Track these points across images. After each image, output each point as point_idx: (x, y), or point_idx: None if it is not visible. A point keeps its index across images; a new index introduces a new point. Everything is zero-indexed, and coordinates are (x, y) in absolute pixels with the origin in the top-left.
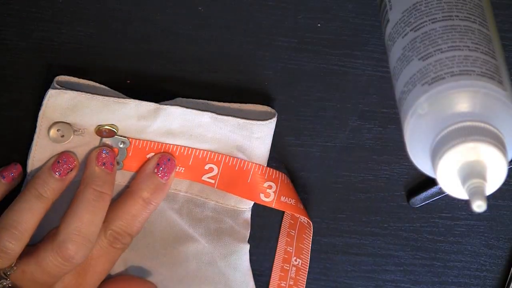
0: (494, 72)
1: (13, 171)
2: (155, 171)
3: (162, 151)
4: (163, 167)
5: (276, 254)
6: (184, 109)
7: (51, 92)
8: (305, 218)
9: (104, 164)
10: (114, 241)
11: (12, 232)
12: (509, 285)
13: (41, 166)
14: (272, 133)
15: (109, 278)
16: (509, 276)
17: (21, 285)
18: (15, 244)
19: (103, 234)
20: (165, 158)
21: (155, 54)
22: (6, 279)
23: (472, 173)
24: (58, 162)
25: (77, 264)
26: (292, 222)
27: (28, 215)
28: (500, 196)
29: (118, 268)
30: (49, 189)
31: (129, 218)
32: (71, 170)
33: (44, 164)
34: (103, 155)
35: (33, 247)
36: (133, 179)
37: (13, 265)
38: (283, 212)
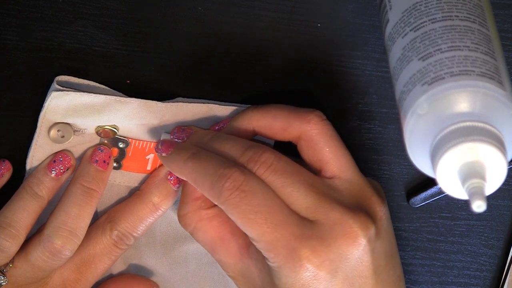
0: (494, 72)
1: (2, 168)
2: (168, 177)
3: None
4: None
5: None
6: (187, 105)
7: (53, 94)
8: None
9: (96, 161)
10: (119, 241)
11: (8, 230)
12: (503, 285)
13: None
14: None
15: (110, 277)
16: (503, 277)
17: (14, 281)
18: (12, 242)
19: (109, 233)
20: None
21: (155, 54)
22: (3, 276)
23: (472, 173)
24: (54, 161)
25: (66, 259)
26: None
27: (24, 214)
28: (500, 196)
29: (118, 267)
30: (44, 188)
31: (136, 220)
32: (67, 169)
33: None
34: (97, 153)
35: (24, 243)
36: (133, 179)
37: (9, 263)
38: None
